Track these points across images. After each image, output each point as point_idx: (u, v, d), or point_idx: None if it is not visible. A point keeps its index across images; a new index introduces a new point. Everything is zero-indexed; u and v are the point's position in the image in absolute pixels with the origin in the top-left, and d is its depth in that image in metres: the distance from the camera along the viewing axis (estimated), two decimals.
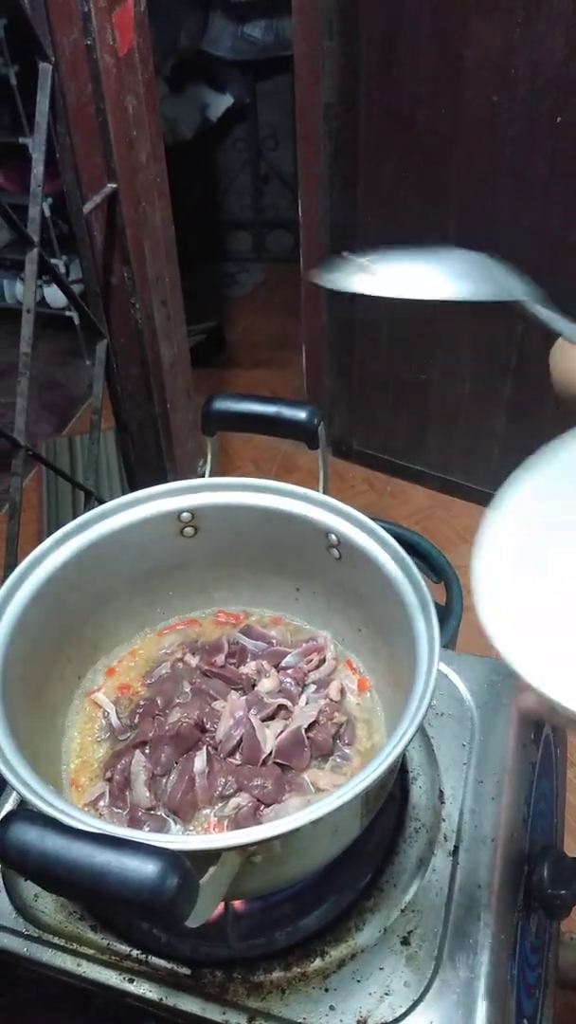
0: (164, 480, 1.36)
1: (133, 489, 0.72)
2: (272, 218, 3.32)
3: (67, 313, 2.80)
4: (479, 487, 2.14)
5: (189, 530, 0.75)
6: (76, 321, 2.81)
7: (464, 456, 2.15)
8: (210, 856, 0.49)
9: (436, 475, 2.25)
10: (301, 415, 0.71)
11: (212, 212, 3.31)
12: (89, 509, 1.18)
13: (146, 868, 0.42)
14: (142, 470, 1.46)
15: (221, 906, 0.63)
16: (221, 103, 2.93)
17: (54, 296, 2.78)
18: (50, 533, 0.70)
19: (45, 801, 0.50)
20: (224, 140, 3.14)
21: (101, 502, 1.23)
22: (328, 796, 0.51)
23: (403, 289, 0.51)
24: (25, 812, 0.46)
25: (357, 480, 2.33)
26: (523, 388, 1.91)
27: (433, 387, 2.09)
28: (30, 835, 0.44)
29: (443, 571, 1.16)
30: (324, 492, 0.73)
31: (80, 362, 2.94)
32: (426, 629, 0.60)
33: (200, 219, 3.20)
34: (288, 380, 2.65)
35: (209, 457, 0.76)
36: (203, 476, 0.75)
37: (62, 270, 2.67)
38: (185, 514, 0.74)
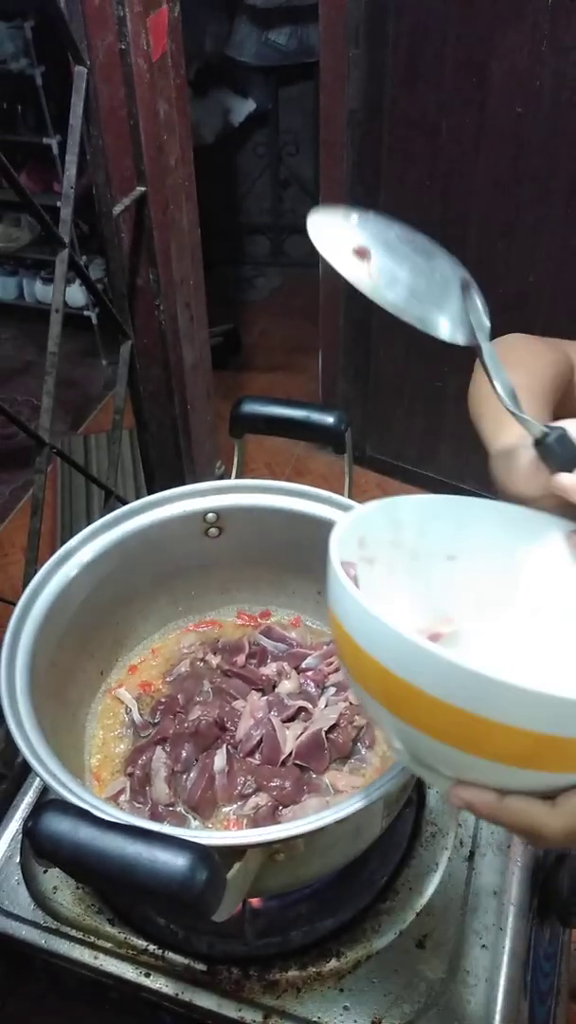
0: (182, 480, 1.37)
1: (151, 489, 0.73)
2: (290, 223, 3.33)
3: (85, 313, 2.82)
4: (492, 496, 2.14)
5: (214, 531, 0.76)
6: (94, 321, 2.83)
7: (478, 465, 2.14)
8: (236, 852, 0.49)
9: (449, 483, 2.25)
10: (329, 420, 0.72)
11: (231, 216, 3.33)
12: (109, 508, 1.19)
13: (176, 861, 0.43)
14: (160, 470, 1.47)
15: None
16: (244, 108, 2.95)
17: (73, 296, 2.80)
18: (64, 531, 0.71)
19: (75, 794, 0.51)
20: (245, 145, 3.16)
21: (122, 501, 1.24)
22: (350, 797, 0.52)
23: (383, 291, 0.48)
24: (57, 803, 0.46)
25: (369, 486, 2.33)
26: None
27: (448, 395, 2.09)
28: (63, 826, 0.45)
29: None
30: (348, 496, 0.73)
31: (96, 361, 2.96)
32: None
33: (219, 223, 3.22)
34: (303, 384, 2.66)
35: (236, 459, 0.77)
36: (221, 477, 0.76)
37: None
38: (211, 515, 0.75)
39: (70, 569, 0.69)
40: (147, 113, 1.10)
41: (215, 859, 0.44)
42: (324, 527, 0.73)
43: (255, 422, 0.74)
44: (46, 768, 0.53)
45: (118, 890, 0.62)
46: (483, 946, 0.65)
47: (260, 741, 0.69)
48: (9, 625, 0.62)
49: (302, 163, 3.16)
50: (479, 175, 1.73)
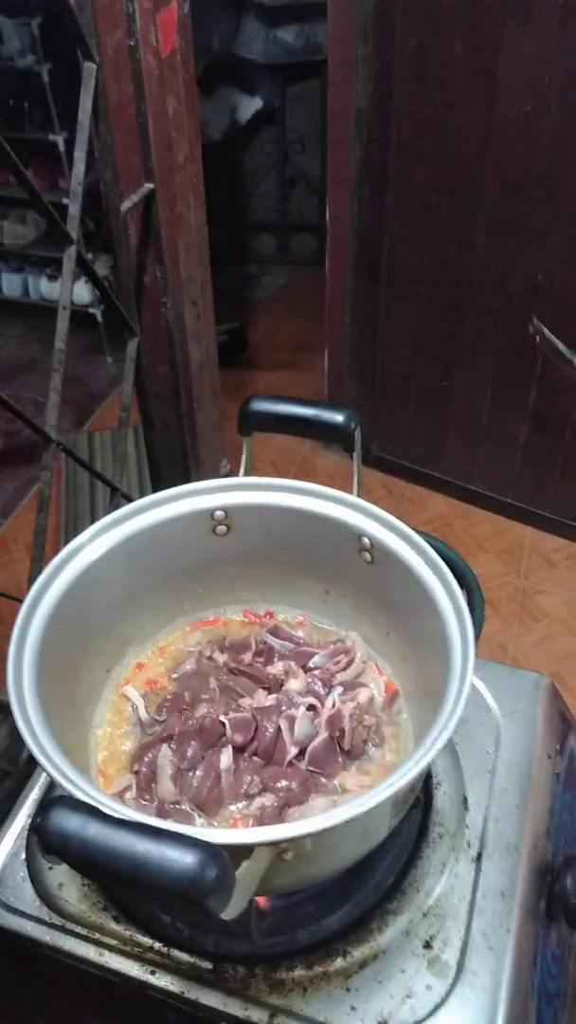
0: (187, 478, 1.37)
1: (156, 486, 0.72)
2: (296, 221, 3.33)
3: (90, 310, 2.82)
4: (499, 496, 2.14)
5: (222, 528, 0.76)
6: (99, 318, 2.83)
7: (485, 464, 2.15)
8: (244, 850, 0.49)
9: (455, 483, 2.24)
10: (338, 418, 0.71)
11: (237, 214, 3.32)
12: (115, 505, 1.19)
13: (186, 859, 0.43)
14: (166, 468, 1.47)
15: None
16: (250, 106, 2.95)
17: (78, 293, 2.80)
18: (68, 528, 0.71)
19: (83, 791, 0.51)
20: (252, 143, 3.15)
21: (127, 498, 1.24)
22: (359, 797, 0.51)
23: None
24: (66, 800, 0.46)
25: (375, 485, 2.33)
26: (547, 398, 1.91)
27: (455, 394, 2.09)
28: (72, 822, 0.44)
29: (465, 578, 1.15)
30: (358, 495, 0.73)
31: (101, 359, 2.96)
32: (460, 637, 0.61)
33: (225, 221, 3.21)
34: (309, 383, 2.65)
35: (244, 457, 0.77)
36: (226, 475, 0.76)
37: None
38: (219, 512, 0.75)
39: (77, 566, 0.69)
40: (156, 110, 1.10)
41: (224, 857, 0.44)
42: (333, 526, 0.72)
43: (264, 420, 0.73)
44: (53, 764, 0.53)
45: (127, 887, 0.62)
46: (490, 947, 0.64)
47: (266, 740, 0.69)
48: (16, 622, 0.62)
49: (308, 161, 3.15)
50: (487, 172, 1.73)
